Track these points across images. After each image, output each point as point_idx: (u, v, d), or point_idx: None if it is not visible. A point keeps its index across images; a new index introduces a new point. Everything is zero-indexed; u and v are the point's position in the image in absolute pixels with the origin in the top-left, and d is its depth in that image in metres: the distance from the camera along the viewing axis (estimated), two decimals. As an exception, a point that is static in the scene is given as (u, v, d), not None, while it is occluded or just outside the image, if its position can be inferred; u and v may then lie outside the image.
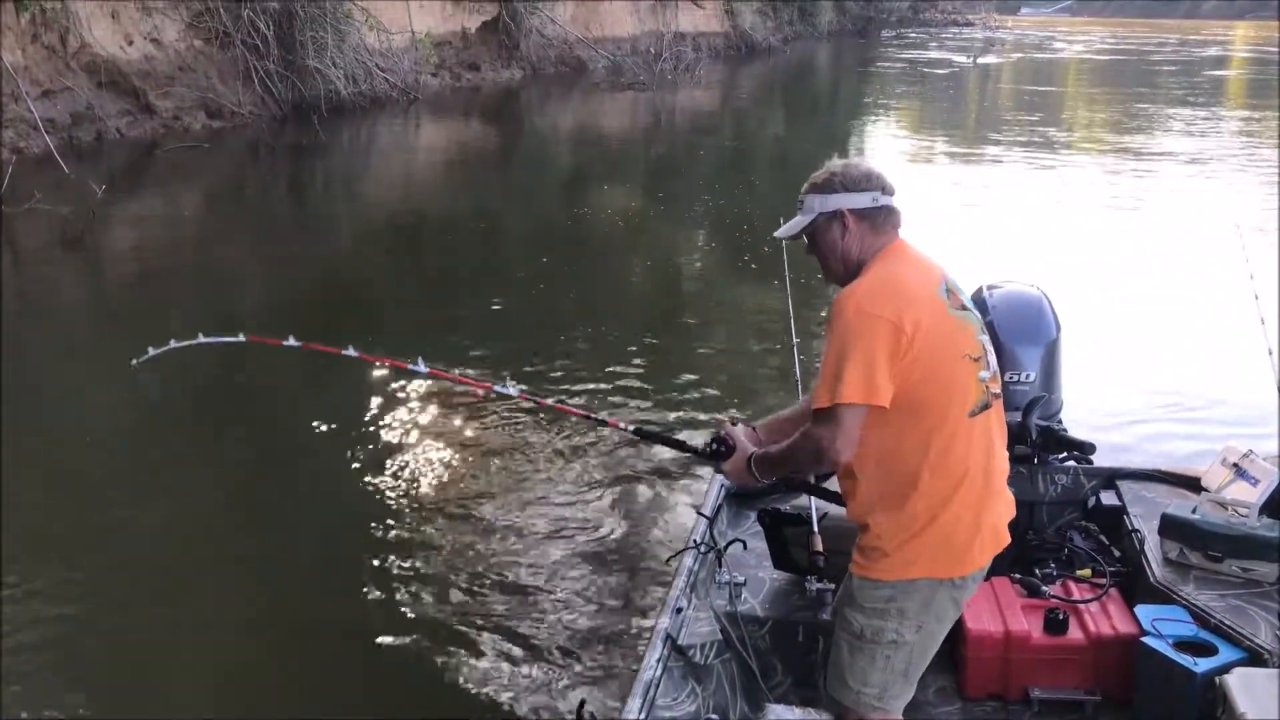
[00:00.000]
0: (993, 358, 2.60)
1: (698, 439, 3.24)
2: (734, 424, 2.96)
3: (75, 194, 11.83)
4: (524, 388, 3.33)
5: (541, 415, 6.56)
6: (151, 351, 3.74)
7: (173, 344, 3.71)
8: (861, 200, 2.60)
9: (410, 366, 3.43)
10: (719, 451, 2.92)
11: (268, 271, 10.55)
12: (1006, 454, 2.69)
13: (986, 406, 2.56)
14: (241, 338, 3.72)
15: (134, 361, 3.84)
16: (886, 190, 2.64)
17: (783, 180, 15.79)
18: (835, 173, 2.63)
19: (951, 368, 2.49)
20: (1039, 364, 3.88)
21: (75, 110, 15.32)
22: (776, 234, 2.80)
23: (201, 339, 3.67)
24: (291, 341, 3.51)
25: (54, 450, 6.14)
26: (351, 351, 3.50)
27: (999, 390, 2.62)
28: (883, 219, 2.62)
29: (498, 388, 3.47)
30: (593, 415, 3.64)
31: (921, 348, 2.43)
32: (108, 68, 15.85)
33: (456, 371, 3.48)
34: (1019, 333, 3.88)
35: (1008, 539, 2.66)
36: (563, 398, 3.15)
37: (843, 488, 2.70)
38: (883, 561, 2.56)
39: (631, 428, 3.38)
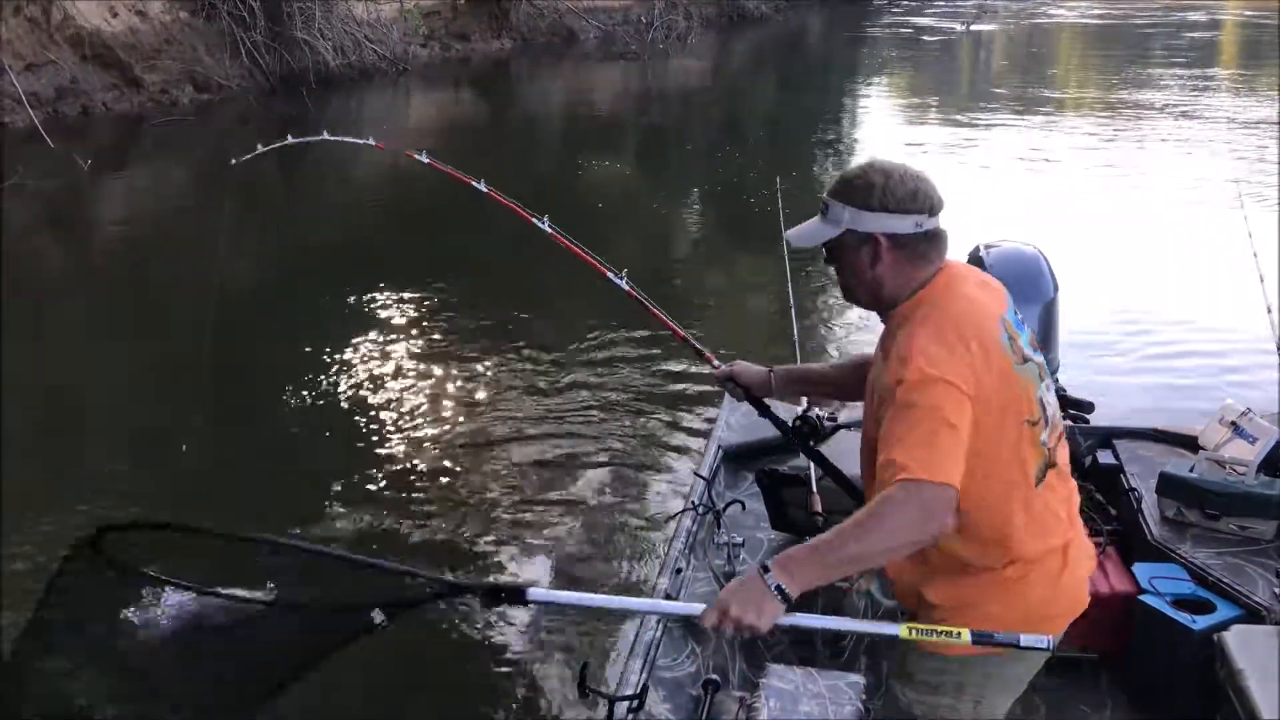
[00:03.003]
0: (1052, 409, 2.23)
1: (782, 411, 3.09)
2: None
3: (61, 170, 11.76)
4: (632, 285, 3.30)
5: (538, 372, 6.71)
6: (260, 148, 4.16)
7: (290, 139, 4.11)
8: (902, 225, 2.14)
9: (535, 222, 3.45)
10: (802, 430, 2.91)
11: (258, 245, 10.51)
12: (1076, 499, 2.35)
13: (1050, 466, 2.20)
14: (371, 141, 4.16)
15: (234, 161, 4.26)
16: (934, 211, 2.17)
17: (777, 147, 15.77)
18: (875, 185, 2.15)
19: (1012, 437, 2.12)
20: (1036, 323, 3.82)
21: (60, 84, 15.21)
22: (789, 236, 2.33)
23: (326, 136, 4.18)
24: (424, 157, 3.74)
25: (45, 429, 6.13)
26: (481, 186, 3.58)
27: (1057, 437, 2.25)
28: (925, 246, 2.17)
29: (610, 275, 3.29)
30: (694, 343, 3.20)
31: (983, 415, 2.05)
32: (92, 41, 15.72)
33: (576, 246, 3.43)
34: (1016, 292, 3.72)
35: (1084, 600, 2.31)
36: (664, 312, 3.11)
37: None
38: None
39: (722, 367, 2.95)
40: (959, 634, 1.96)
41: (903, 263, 2.18)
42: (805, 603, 3.34)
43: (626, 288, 3.28)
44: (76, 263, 10.32)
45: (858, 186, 2.18)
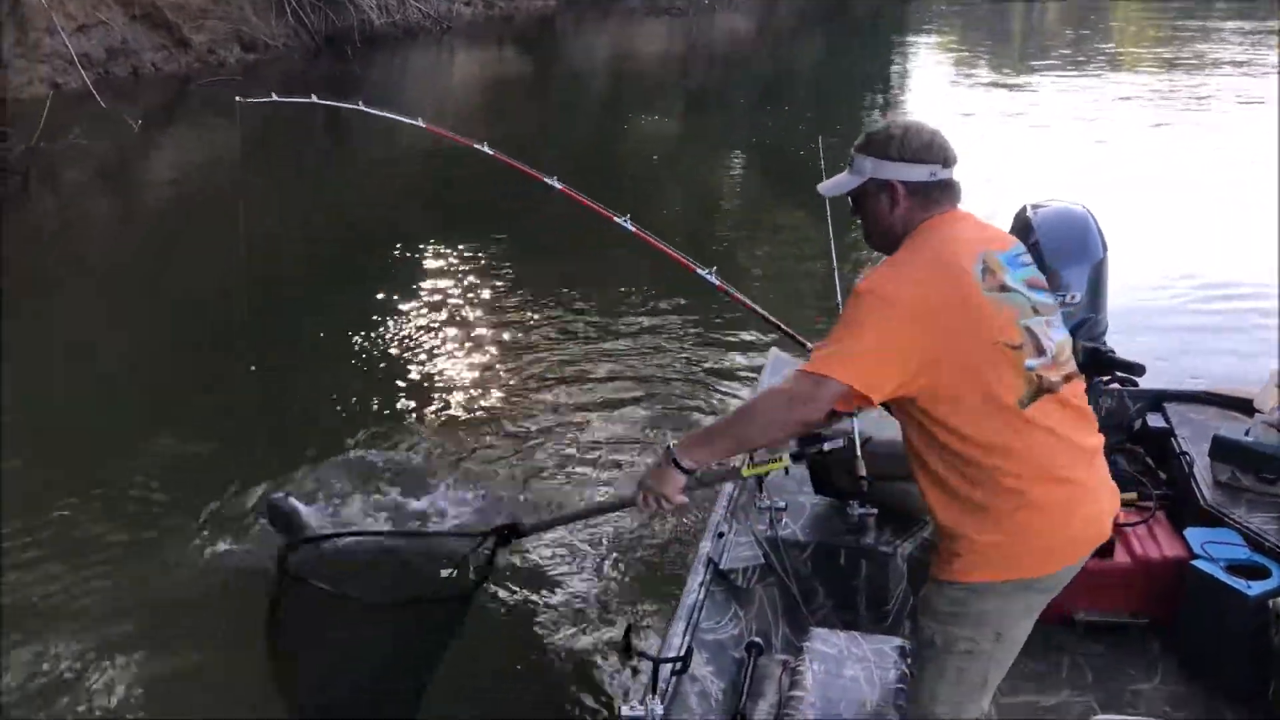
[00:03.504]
0: (1050, 340, 2.30)
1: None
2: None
3: (112, 129, 11.90)
4: (722, 280, 3.54)
5: (586, 333, 6.77)
6: (275, 97, 4.32)
7: (314, 99, 4.38)
8: (917, 173, 2.35)
9: (616, 220, 3.60)
10: None
11: (301, 203, 10.61)
12: (1097, 439, 2.40)
13: (1043, 393, 2.27)
14: (420, 122, 3.97)
15: (238, 99, 4.43)
16: (948, 163, 2.38)
17: (822, 106, 15.60)
18: (894, 137, 2.37)
19: (980, 356, 2.22)
20: (1085, 284, 3.77)
21: (110, 45, 15.32)
22: (820, 188, 2.57)
23: (361, 106, 4.26)
24: (486, 149, 3.78)
25: (93, 383, 6.27)
26: (555, 183, 3.64)
27: (1064, 375, 2.32)
28: (937, 194, 2.37)
29: (700, 271, 3.46)
30: (791, 332, 3.42)
31: (943, 336, 2.20)
32: (141, 1, 15.80)
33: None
34: (1064, 252, 3.76)
35: (1106, 533, 2.40)
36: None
37: (916, 483, 2.45)
38: (955, 562, 2.32)
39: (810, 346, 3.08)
40: (781, 456, 2.45)
41: (916, 208, 2.37)
42: (849, 570, 3.36)
43: (717, 283, 3.45)
44: (126, 217, 10.50)
45: (879, 139, 2.40)
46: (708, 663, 2.97)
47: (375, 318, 7.12)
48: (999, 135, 12.31)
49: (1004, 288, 2.27)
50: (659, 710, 2.52)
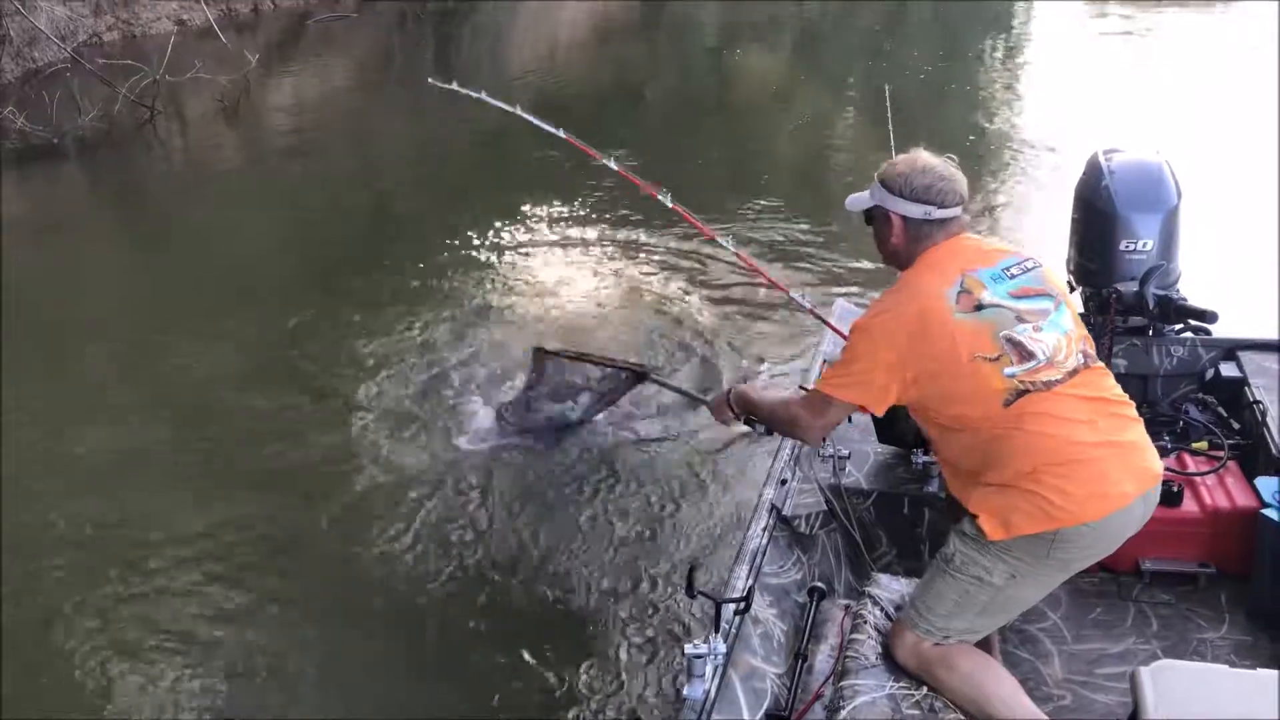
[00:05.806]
0: (1041, 344, 2.53)
1: None
2: None
3: (232, 64, 12.31)
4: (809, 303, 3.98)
5: (640, 289, 6.89)
6: (455, 86, 4.62)
7: (483, 95, 4.49)
8: (913, 210, 2.66)
9: (720, 240, 4.04)
10: None
11: (404, 140, 10.88)
12: (1112, 420, 2.55)
13: (1027, 393, 2.48)
14: (560, 132, 4.23)
15: (430, 80, 4.76)
16: (946, 205, 2.65)
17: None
18: (902, 174, 2.68)
19: (958, 371, 2.51)
20: (1156, 232, 3.72)
21: (235, -20, 15.71)
22: (846, 201, 2.90)
23: (520, 111, 4.35)
24: (611, 163, 4.10)
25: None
26: (667, 201, 3.97)
27: (1068, 371, 2.53)
28: (931, 229, 2.67)
29: (794, 295, 4.07)
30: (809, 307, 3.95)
31: (917, 361, 2.53)
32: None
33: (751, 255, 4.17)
34: (1136, 200, 3.72)
35: (1114, 506, 2.48)
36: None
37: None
38: (985, 522, 2.53)
39: None
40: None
41: (911, 240, 2.71)
42: (912, 518, 3.42)
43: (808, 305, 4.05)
44: (245, 145, 11.03)
45: (890, 173, 2.72)
46: (770, 605, 3.02)
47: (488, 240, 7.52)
48: (1079, 78, 11.92)
49: (979, 306, 2.54)
50: (721, 648, 2.58)
